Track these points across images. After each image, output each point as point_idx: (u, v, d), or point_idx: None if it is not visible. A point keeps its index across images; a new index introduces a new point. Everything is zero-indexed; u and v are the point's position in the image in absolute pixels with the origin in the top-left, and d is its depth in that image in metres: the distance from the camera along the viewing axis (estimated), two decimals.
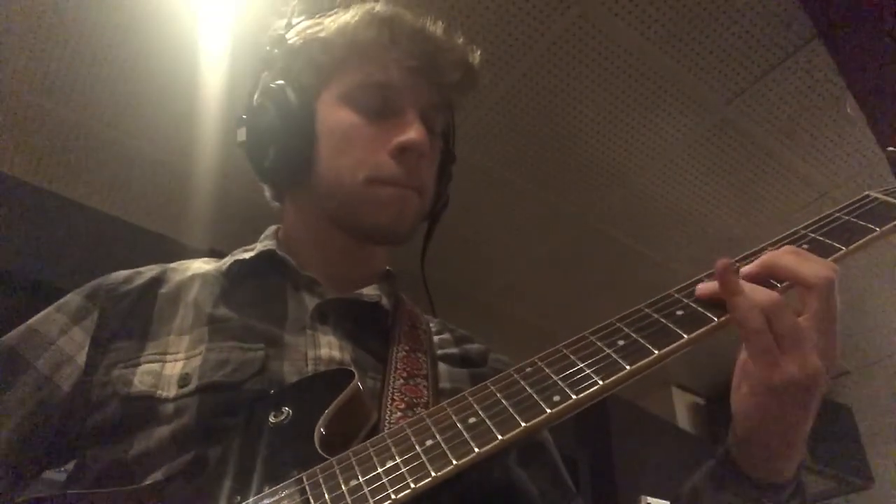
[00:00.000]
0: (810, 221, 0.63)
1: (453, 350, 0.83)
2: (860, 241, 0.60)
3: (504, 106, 2.10)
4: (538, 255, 2.73)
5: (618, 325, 0.56)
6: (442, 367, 0.78)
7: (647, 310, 0.56)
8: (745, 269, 0.56)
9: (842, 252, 0.58)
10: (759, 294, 0.52)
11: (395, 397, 0.66)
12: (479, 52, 0.83)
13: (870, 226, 0.61)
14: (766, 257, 0.56)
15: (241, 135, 0.80)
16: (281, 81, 0.77)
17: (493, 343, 0.90)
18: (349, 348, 0.71)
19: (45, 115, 2.10)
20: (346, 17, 0.77)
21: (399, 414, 0.64)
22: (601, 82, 2.01)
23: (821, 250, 0.58)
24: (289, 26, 0.81)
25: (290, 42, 0.80)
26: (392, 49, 0.75)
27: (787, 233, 0.63)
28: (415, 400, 0.67)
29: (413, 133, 0.73)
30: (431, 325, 0.86)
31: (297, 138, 0.75)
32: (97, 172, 2.31)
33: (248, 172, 0.81)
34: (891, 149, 0.74)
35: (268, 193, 0.86)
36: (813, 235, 0.61)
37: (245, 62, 1.97)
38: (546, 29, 1.86)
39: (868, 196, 0.66)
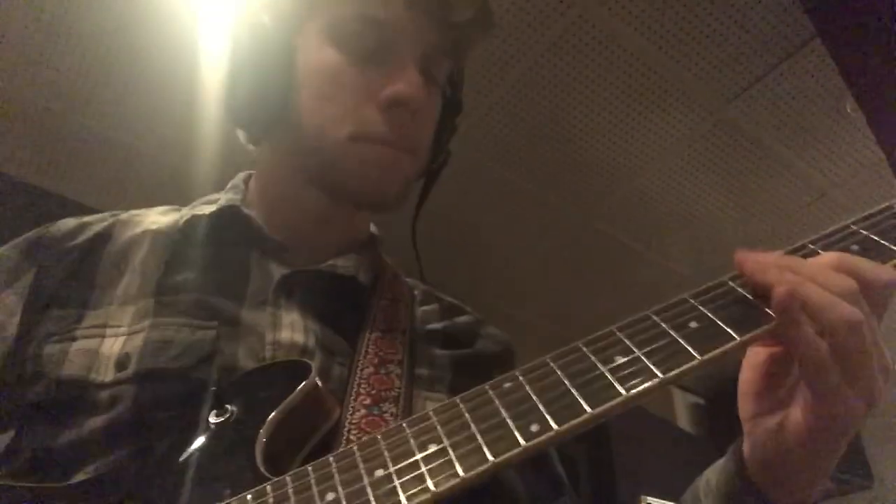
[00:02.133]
0: (862, 215, 0.50)
1: (437, 325, 0.74)
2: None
3: (504, 106, 2.09)
4: (538, 255, 2.73)
5: (618, 334, 0.46)
6: (421, 348, 0.69)
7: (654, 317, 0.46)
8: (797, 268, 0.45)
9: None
10: (834, 309, 0.42)
11: (360, 390, 0.58)
12: None
13: None
14: (788, 288, 0.43)
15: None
16: (261, 8, 0.65)
17: (513, 344, 0.81)
18: (316, 329, 0.62)
19: (45, 116, 2.10)
20: None
21: (363, 412, 0.56)
22: (601, 82, 2.01)
23: (874, 253, 0.47)
24: None
25: None
26: None
27: (834, 227, 0.49)
28: (384, 393, 0.59)
29: (407, 85, 0.62)
30: (418, 293, 0.77)
31: (271, 78, 0.63)
32: (97, 172, 2.31)
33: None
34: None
35: (241, 136, 0.73)
36: (865, 233, 0.48)
37: None
38: (546, 29, 1.86)
39: None
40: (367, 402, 0.58)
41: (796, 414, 0.45)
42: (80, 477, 0.51)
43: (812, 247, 0.48)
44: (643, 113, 2.11)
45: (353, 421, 0.56)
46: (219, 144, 2.13)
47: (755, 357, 0.49)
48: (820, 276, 0.43)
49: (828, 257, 0.46)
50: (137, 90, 2.03)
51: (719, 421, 3.46)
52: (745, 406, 0.49)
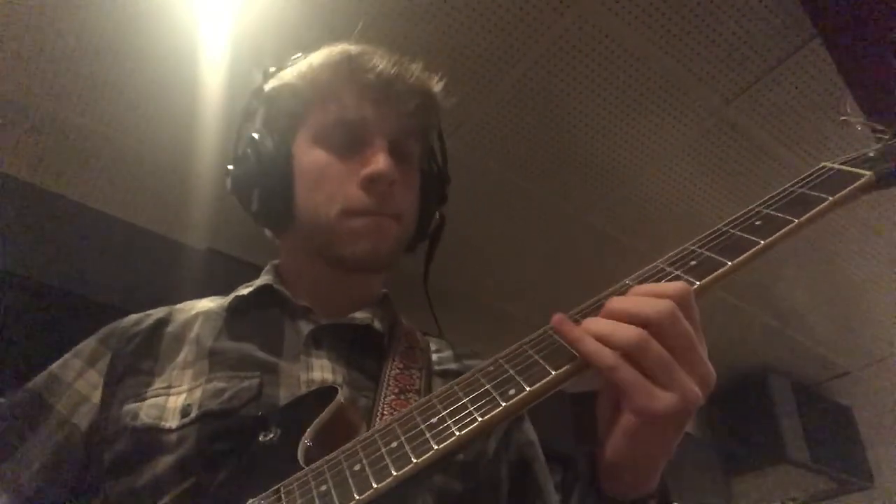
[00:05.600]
0: (765, 198, 0.63)
1: (452, 366, 0.85)
2: (813, 211, 0.59)
3: (504, 106, 2.09)
4: (537, 254, 2.73)
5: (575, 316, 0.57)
6: (437, 381, 0.80)
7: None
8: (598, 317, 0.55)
9: (794, 224, 0.58)
10: (613, 335, 0.51)
11: (384, 412, 0.69)
12: (438, 77, 0.86)
13: (822, 195, 0.61)
14: (606, 305, 0.55)
15: (228, 184, 0.85)
16: (261, 130, 0.82)
17: (492, 342, 0.90)
18: (342, 370, 0.74)
19: (45, 115, 2.10)
20: (308, 61, 0.83)
21: None
22: (601, 82, 2.01)
23: (773, 224, 0.59)
24: (266, 76, 0.87)
25: (266, 92, 0.85)
26: (349, 86, 0.79)
27: (741, 213, 0.62)
28: None
29: (378, 164, 0.76)
30: (432, 344, 0.88)
31: (275, 182, 0.79)
32: (97, 172, 2.31)
33: None
34: (843, 118, 0.75)
35: (267, 233, 0.90)
36: (766, 211, 0.61)
37: (245, 61, 1.97)
38: (546, 29, 1.86)
39: (824, 167, 0.66)
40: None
41: (624, 415, 0.53)
42: None
43: (666, 268, 0.60)
44: (643, 113, 2.11)
45: None
46: (218, 145, 2.13)
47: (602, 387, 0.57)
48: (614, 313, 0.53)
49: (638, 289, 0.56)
50: (138, 91, 2.03)
51: (718, 420, 3.46)
52: (599, 413, 0.58)
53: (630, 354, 0.50)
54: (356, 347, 0.78)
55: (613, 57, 1.93)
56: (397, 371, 0.76)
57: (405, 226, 0.82)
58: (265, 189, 0.80)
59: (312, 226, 0.79)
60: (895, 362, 3.27)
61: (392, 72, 0.80)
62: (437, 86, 0.86)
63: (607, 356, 0.51)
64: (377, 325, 0.81)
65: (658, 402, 0.50)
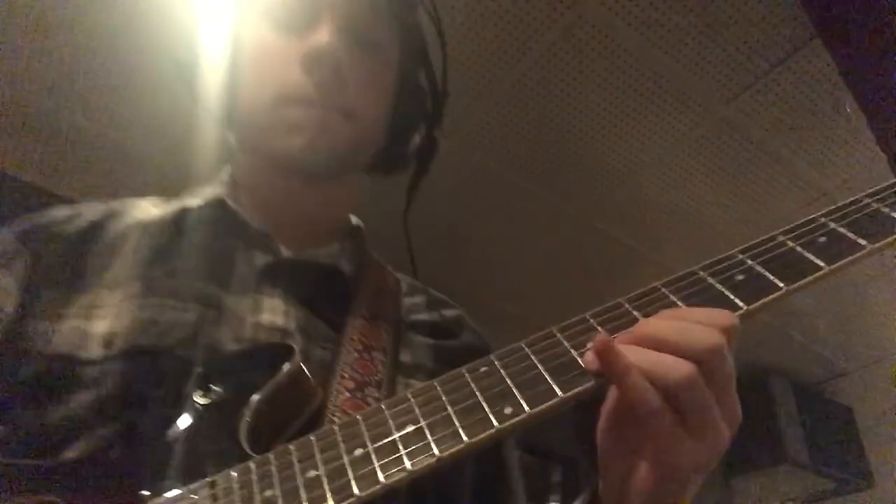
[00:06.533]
0: (833, 208, 0.51)
1: (423, 316, 0.75)
2: (890, 238, 0.47)
3: (504, 106, 2.09)
4: (537, 254, 2.73)
5: (591, 321, 0.49)
6: (406, 337, 0.70)
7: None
8: (624, 339, 0.46)
9: (865, 250, 0.47)
10: (660, 370, 0.42)
11: (344, 374, 0.59)
12: None
13: None
14: (641, 329, 0.45)
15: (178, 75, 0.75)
16: (215, 12, 0.71)
17: (492, 343, 0.86)
18: (297, 314, 0.63)
19: (45, 115, 2.10)
20: None
21: (346, 395, 0.58)
22: (601, 82, 2.01)
23: (841, 245, 0.48)
24: None
25: None
26: None
27: (802, 220, 0.51)
28: (367, 378, 0.60)
29: (319, 39, 0.63)
30: (403, 284, 0.78)
31: (218, 67, 0.69)
32: (97, 172, 2.31)
33: None
34: None
35: (230, 140, 0.77)
36: (834, 226, 0.49)
37: None
38: (546, 29, 1.86)
39: None
40: (351, 386, 0.59)
41: (644, 463, 0.45)
42: (69, 455, 0.51)
43: (701, 273, 0.49)
44: (643, 113, 2.11)
45: (337, 404, 0.57)
46: (218, 144, 2.13)
47: (611, 396, 0.48)
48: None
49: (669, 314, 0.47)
50: (137, 90, 2.03)
51: None
52: (600, 443, 0.49)
53: (672, 394, 0.42)
54: (316, 288, 0.67)
55: (613, 57, 1.93)
56: (363, 322, 0.65)
57: (360, 128, 0.68)
58: (222, 78, 0.69)
59: (246, 116, 0.68)
60: (895, 363, 3.27)
61: None
62: None
63: (653, 399, 0.42)
64: (344, 266, 0.71)
65: (688, 456, 0.43)
